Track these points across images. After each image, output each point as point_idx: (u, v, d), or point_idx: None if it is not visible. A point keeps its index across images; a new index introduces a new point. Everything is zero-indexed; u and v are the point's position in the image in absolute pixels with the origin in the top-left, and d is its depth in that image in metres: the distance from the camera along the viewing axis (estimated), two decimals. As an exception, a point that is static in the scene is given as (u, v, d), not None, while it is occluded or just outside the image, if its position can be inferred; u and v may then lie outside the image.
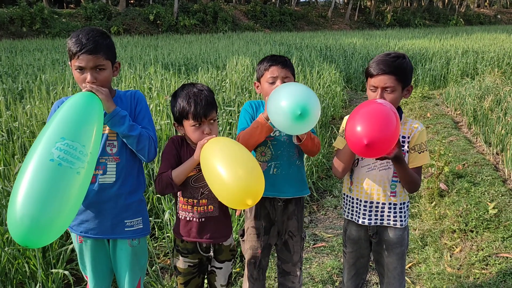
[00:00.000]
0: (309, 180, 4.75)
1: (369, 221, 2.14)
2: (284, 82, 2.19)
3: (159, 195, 3.67)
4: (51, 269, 2.79)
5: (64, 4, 33.31)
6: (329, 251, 3.53)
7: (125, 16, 27.27)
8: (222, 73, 8.46)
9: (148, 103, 5.52)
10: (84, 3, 27.07)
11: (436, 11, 47.44)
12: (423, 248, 3.53)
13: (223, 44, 16.94)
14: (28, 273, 2.76)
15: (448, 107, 8.59)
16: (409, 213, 3.62)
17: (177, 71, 9.08)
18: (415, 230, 3.80)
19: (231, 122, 5.10)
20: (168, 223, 3.37)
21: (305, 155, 2.46)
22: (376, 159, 2.06)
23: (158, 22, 27.77)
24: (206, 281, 2.29)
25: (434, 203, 4.23)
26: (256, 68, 2.33)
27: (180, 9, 29.44)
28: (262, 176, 1.79)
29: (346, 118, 2.21)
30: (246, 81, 7.65)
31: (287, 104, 1.86)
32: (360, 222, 2.16)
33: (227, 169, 1.74)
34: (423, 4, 48.45)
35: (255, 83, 2.36)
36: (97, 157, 1.81)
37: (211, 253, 2.13)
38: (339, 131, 2.23)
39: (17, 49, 15.17)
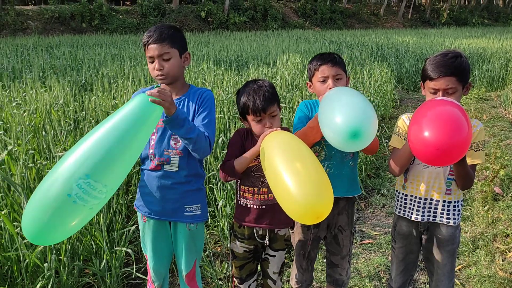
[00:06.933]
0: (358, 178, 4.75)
1: (422, 218, 2.16)
2: (336, 80, 2.21)
3: (211, 185, 3.85)
4: (115, 247, 3.01)
5: (121, 2, 34.71)
6: (377, 248, 3.56)
7: (178, 13, 28.01)
8: (272, 70, 8.56)
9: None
10: (140, 0, 28.03)
11: (495, 10, 45.10)
12: (474, 251, 3.48)
13: (273, 42, 17.01)
14: (94, 250, 2.99)
15: (505, 109, 8.25)
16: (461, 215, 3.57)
17: (229, 67, 9.27)
18: (467, 233, 3.74)
19: (281, 118, 5.19)
20: (220, 213, 3.52)
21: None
22: None
23: (209, 19, 28.30)
24: (259, 267, 2.39)
25: (487, 206, 4.13)
26: (307, 68, 2.35)
27: (230, 6, 29.83)
28: (331, 189, 1.70)
29: (402, 117, 2.21)
30: (296, 78, 7.70)
31: (339, 124, 1.73)
32: (413, 218, 2.18)
33: (292, 177, 1.67)
34: (481, 2, 46.21)
35: (307, 83, 2.39)
36: (119, 186, 1.83)
37: (266, 241, 2.23)
38: (395, 130, 2.21)
39: (77, 44, 15.98)
